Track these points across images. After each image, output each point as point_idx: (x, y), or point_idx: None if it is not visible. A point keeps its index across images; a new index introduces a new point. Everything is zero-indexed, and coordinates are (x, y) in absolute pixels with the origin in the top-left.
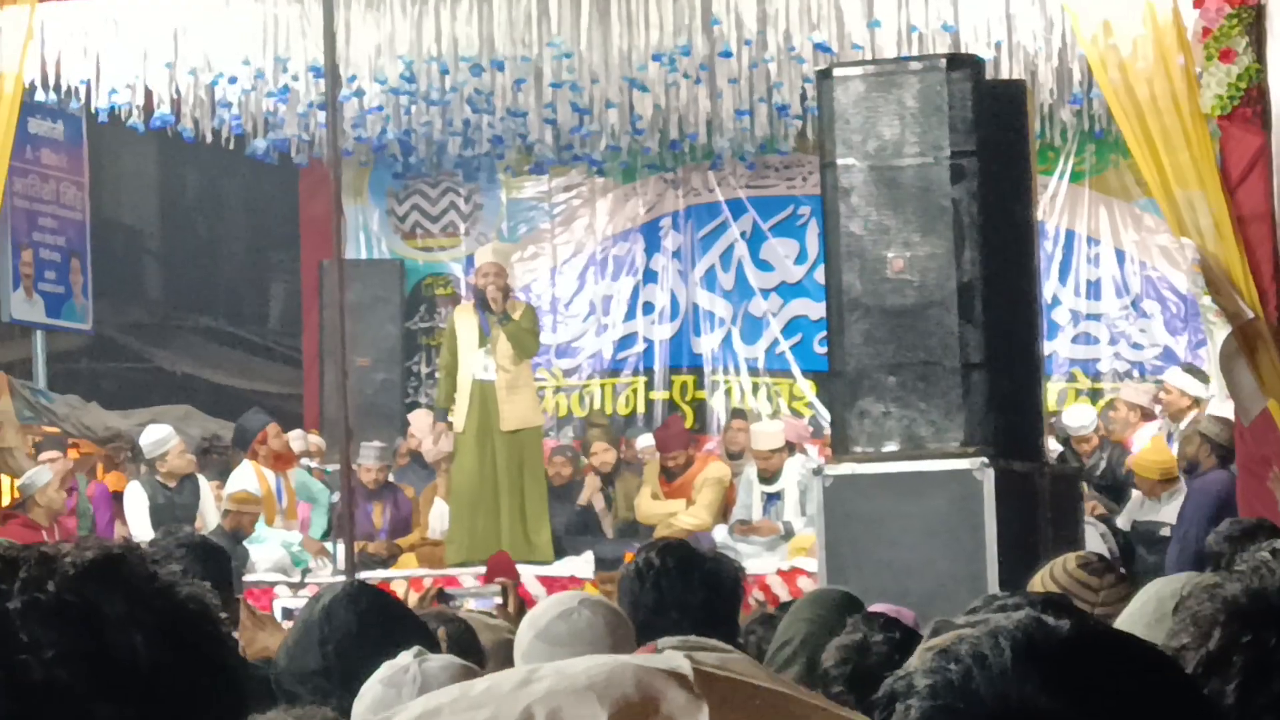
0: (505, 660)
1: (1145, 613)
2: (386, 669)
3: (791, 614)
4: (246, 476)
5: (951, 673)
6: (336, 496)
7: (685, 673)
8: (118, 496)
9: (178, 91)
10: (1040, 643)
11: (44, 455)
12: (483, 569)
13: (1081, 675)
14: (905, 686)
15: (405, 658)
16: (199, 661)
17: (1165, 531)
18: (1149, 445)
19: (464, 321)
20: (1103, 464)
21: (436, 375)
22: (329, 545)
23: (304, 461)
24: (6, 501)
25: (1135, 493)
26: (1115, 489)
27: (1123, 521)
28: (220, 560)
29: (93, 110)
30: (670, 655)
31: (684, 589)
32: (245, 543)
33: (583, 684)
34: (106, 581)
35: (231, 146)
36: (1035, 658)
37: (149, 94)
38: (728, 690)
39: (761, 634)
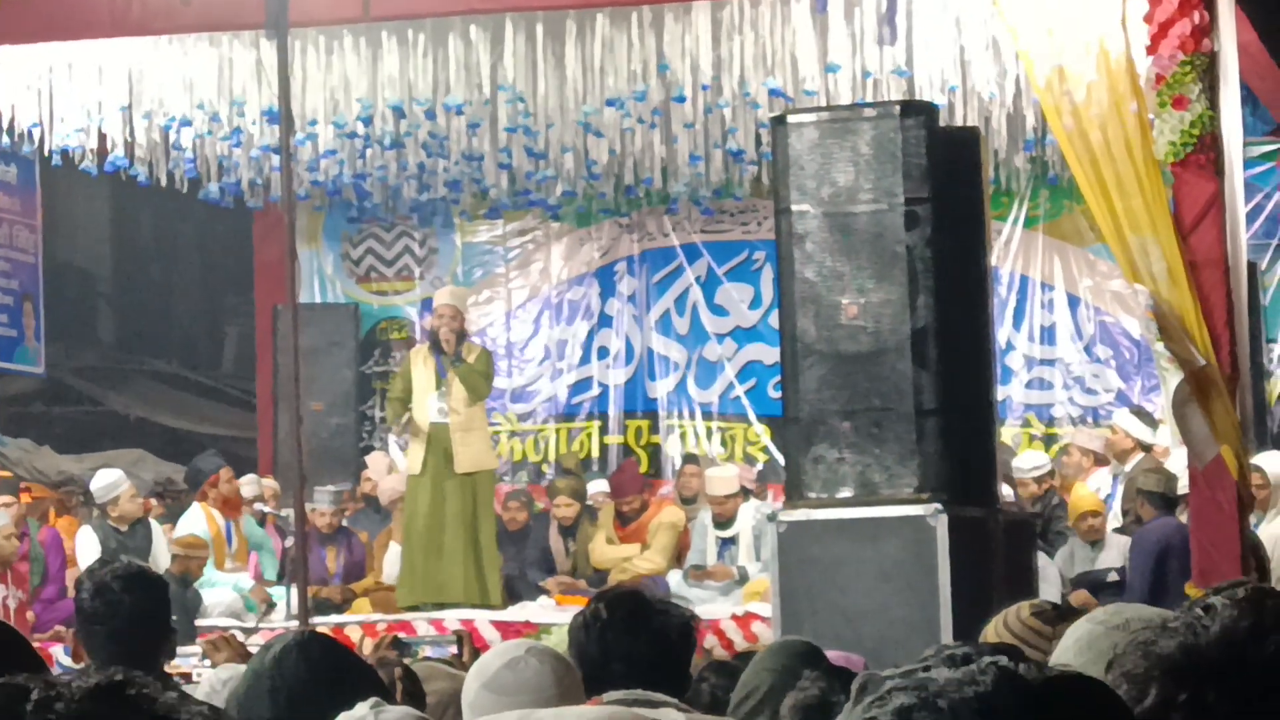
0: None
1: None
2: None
3: (755, 664)
4: (196, 520)
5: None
6: (290, 541)
7: None
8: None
9: (132, 135)
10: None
11: None
12: (434, 614)
13: None
14: None
15: (362, 709)
16: None
17: (1113, 577)
18: (1086, 492)
19: (419, 363)
20: (1035, 507)
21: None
22: (281, 589)
23: (257, 505)
24: None
25: (1071, 546)
26: (1050, 536)
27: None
28: (157, 591)
29: (46, 153)
30: (666, 711)
31: (630, 641)
32: (197, 586)
33: None
34: (110, 707)
35: (185, 190)
36: (1002, 710)
37: (103, 137)
38: None
39: (715, 681)
